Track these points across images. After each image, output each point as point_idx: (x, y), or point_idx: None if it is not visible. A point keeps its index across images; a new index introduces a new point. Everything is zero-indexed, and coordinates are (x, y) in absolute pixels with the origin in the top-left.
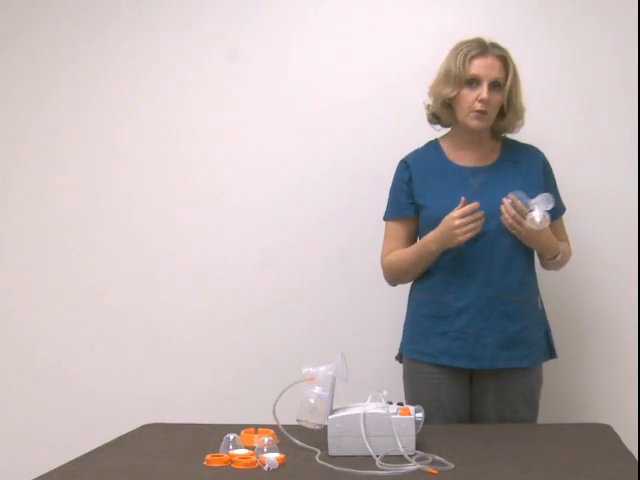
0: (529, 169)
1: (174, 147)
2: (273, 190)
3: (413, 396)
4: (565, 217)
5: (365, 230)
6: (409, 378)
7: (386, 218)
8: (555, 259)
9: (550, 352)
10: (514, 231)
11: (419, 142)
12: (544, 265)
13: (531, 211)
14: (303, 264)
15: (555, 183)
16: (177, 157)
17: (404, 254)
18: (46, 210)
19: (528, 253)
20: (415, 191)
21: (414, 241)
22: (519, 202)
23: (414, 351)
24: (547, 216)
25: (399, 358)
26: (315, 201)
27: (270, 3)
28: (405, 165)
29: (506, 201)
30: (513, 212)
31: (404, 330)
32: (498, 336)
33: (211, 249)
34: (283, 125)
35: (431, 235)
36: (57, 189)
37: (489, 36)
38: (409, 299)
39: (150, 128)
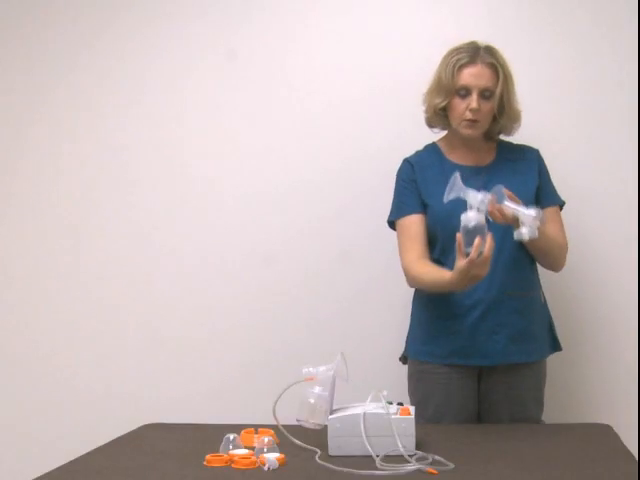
0: (525, 167)
1: (174, 147)
2: (274, 190)
3: (422, 398)
4: (565, 214)
5: (366, 230)
6: (416, 380)
7: (400, 216)
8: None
9: (554, 345)
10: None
11: (420, 142)
12: (540, 261)
13: (522, 224)
14: (304, 264)
15: (549, 177)
16: (177, 157)
17: (438, 279)
18: (46, 209)
19: None
20: (420, 190)
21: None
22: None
23: (423, 353)
24: (536, 233)
25: (403, 360)
26: (316, 201)
27: (270, 4)
28: (409, 164)
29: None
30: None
31: (410, 332)
32: (509, 332)
33: (212, 249)
34: (283, 125)
35: (455, 283)
36: (58, 188)
37: (487, 37)
38: (414, 300)
39: (150, 128)
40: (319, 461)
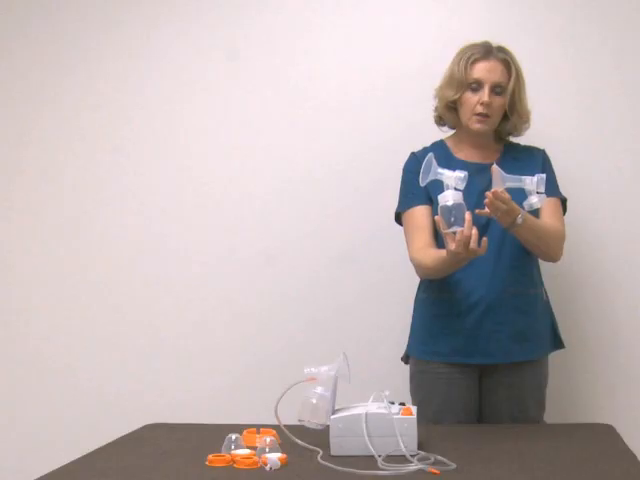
0: (529, 166)
1: (175, 146)
2: (275, 190)
3: (423, 397)
4: (568, 212)
5: (369, 230)
6: (418, 379)
7: (407, 207)
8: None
9: (557, 343)
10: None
11: (422, 141)
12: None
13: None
14: (306, 264)
15: (553, 175)
16: (179, 157)
17: (437, 261)
18: (49, 210)
19: None
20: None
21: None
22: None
23: (425, 352)
24: (544, 199)
25: (405, 359)
26: (318, 201)
27: (272, 3)
28: (416, 158)
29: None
30: (504, 207)
31: (412, 331)
32: (510, 330)
33: (213, 249)
34: (284, 124)
35: (453, 263)
36: (61, 189)
37: (487, 38)
38: (416, 299)
39: (151, 128)
40: (321, 461)
